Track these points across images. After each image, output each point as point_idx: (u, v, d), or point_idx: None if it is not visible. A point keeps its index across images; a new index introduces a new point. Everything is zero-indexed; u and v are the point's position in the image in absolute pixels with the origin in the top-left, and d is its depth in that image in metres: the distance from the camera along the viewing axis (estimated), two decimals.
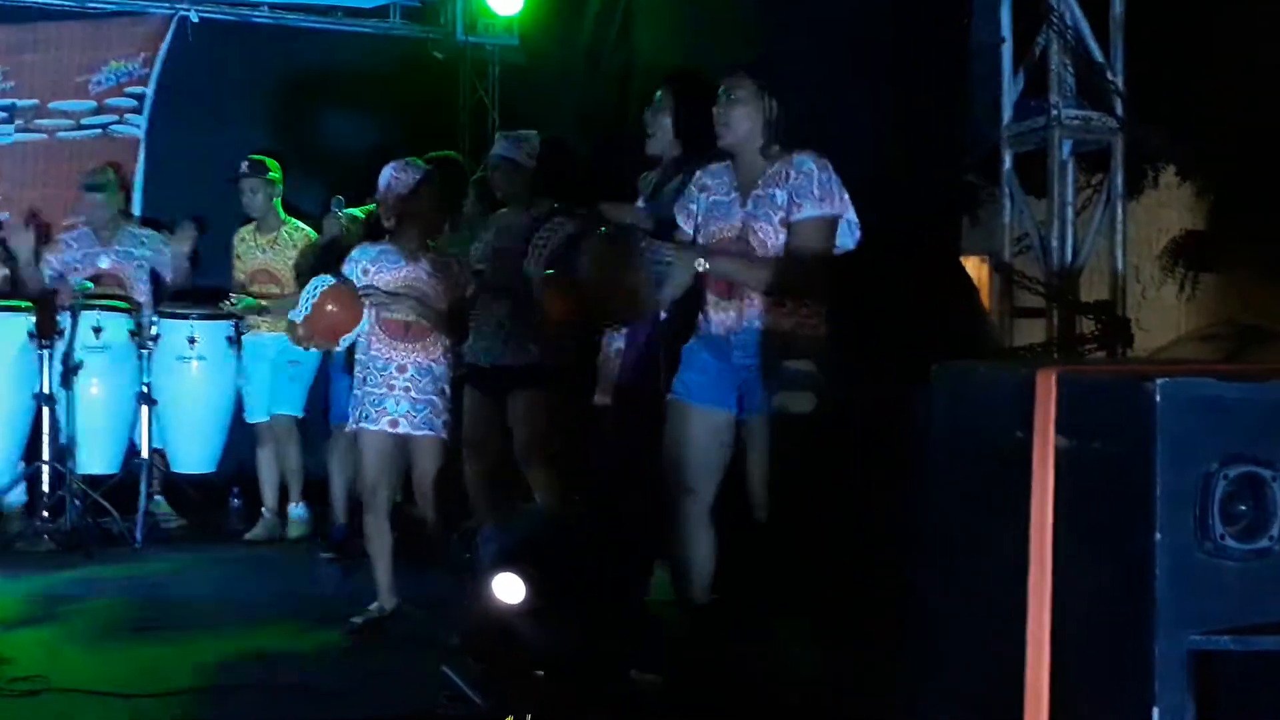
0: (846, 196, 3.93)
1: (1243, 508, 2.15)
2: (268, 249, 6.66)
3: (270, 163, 6.69)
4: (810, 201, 3.86)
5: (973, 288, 5.42)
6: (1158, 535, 2.12)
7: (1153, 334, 8.63)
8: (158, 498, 6.77)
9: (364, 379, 4.71)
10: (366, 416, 4.66)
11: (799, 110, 4.02)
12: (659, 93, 4.73)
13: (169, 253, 6.81)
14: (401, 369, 4.68)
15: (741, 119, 3.95)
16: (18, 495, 6.49)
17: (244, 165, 6.63)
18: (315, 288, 4.64)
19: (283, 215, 6.70)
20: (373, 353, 4.70)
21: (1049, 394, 2.39)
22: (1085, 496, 2.30)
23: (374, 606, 4.74)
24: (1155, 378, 2.14)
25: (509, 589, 3.67)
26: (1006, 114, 5.15)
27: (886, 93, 5.31)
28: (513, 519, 4.01)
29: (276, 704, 3.95)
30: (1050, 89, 4.88)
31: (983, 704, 2.55)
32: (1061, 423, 2.37)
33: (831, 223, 3.90)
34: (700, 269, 3.96)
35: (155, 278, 6.83)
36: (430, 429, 4.69)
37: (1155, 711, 2.11)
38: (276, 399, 6.56)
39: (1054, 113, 4.88)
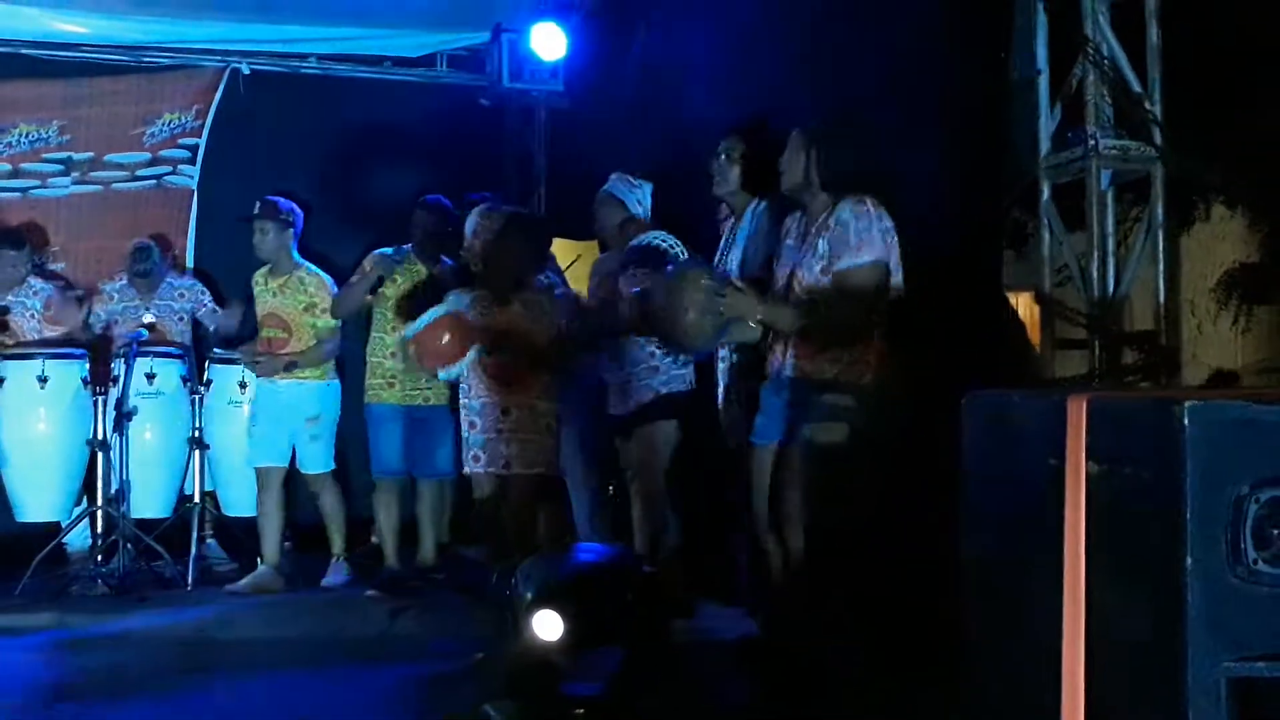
0: (893, 240, 3.97)
1: (1276, 532, 2.13)
2: (278, 293, 6.40)
3: (283, 204, 6.53)
4: (848, 253, 3.96)
5: (1017, 320, 5.42)
6: (1189, 560, 2.10)
7: (1210, 368, 8.53)
8: (210, 541, 6.85)
9: (471, 424, 4.77)
10: (478, 460, 4.74)
11: (844, 153, 4.10)
12: (727, 142, 4.82)
13: (208, 302, 6.98)
14: (506, 411, 4.74)
15: (798, 168, 4.09)
16: (82, 539, 6.57)
17: (256, 206, 6.48)
18: (435, 313, 4.73)
19: (297, 259, 6.46)
20: (478, 397, 4.76)
21: (1080, 420, 2.39)
22: (1117, 522, 2.29)
23: None
24: (1184, 400, 2.13)
25: (548, 626, 3.66)
26: (1044, 146, 5.16)
27: (929, 129, 5.31)
28: (551, 555, 4.02)
29: None
30: (1087, 119, 4.87)
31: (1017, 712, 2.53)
32: (1093, 448, 2.36)
33: (872, 270, 3.97)
34: (753, 322, 4.07)
35: (196, 325, 7.00)
36: (534, 466, 4.77)
37: None
38: (302, 459, 6.44)
39: (1091, 143, 4.87)
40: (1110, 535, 2.30)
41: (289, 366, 6.29)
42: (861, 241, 3.94)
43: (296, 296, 6.39)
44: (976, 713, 2.74)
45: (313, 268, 6.48)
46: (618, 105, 7.44)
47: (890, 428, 3.97)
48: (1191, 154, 5.08)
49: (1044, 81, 5.13)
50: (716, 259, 4.78)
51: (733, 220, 4.81)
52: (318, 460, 6.43)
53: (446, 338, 4.66)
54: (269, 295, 6.42)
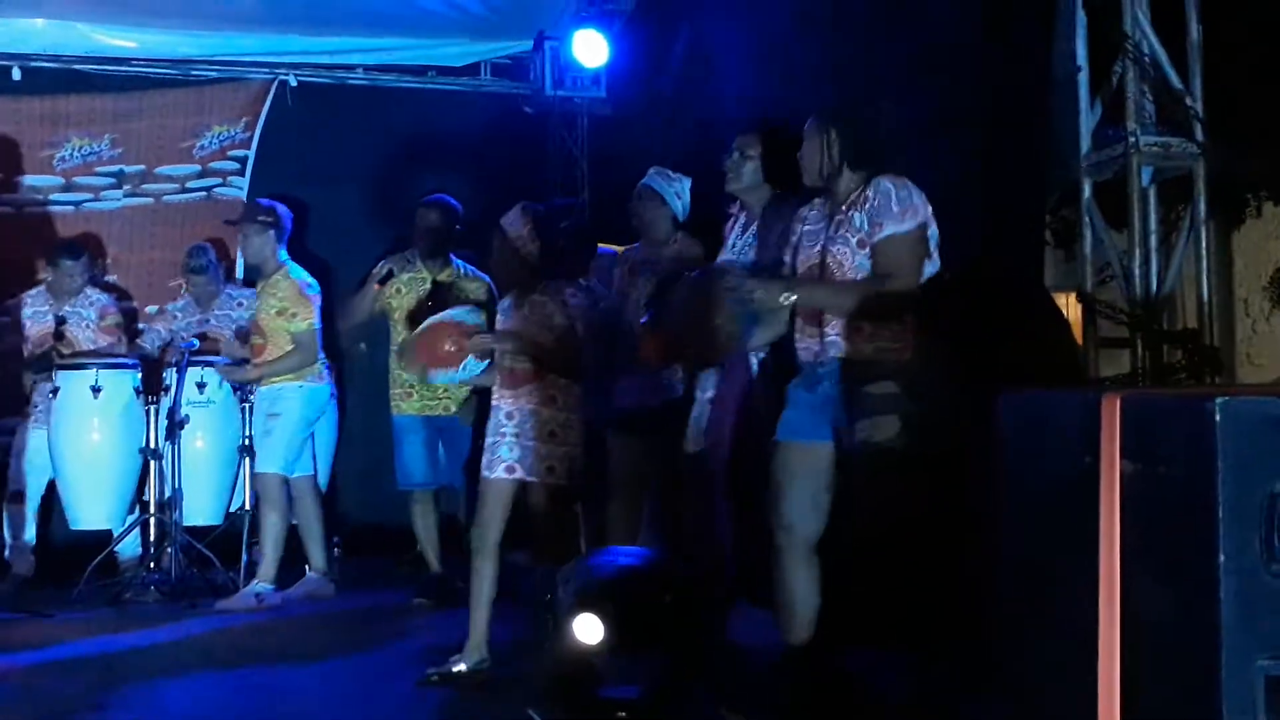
0: (930, 211, 3.93)
1: None
2: (259, 297, 6.40)
3: (264, 204, 6.47)
4: (890, 220, 3.86)
5: (1062, 319, 5.37)
6: (1221, 557, 2.09)
7: (1265, 368, 8.40)
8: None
9: (490, 429, 4.75)
10: (488, 465, 4.70)
11: (867, 132, 4.07)
12: (742, 139, 4.80)
13: None
14: (510, 415, 4.69)
15: (818, 159, 4.03)
16: (133, 547, 6.66)
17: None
18: (444, 318, 4.73)
19: (282, 260, 6.35)
20: (494, 402, 4.75)
21: (1114, 419, 2.38)
22: (1151, 520, 2.28)
23: (455, 661, 4.61)
24: (1216, 398, 2.11)
25: (589, 630, 3.68)
26: (1085, 143, 5.10)
27: (970, 127, 5.29)
28: (591, 559, 4.02)
29: None
30: (1127, 116, 4.82)
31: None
32: (1127, 447, 2.35)
33: (917, 236, 3.88)
34: (787, 303, 3.99)
35: None
36: (534, 474, 4.60)
37: None
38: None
39: (1132, 140, 4.81)
40: (1145, 534, 2.29)
41: (249, 380, 6.34)
42: (905, 208, 3.86)
43: (269, 300, 6.31)
44: (1013, 710, 2.73)
45: (296, 270, 6.38)
46: (660, 110, 7.48)
47: (936, 409, 3.87)
48: (1235, 150, 5.00)
49: (1084, 79, 5.08)
50: (724, 258, 4.74)
51: (744, 217, 4.78)
52: (265, 458, 6.32)
53: (449, 345, 4.65)
54: (256, 301, 6.45)
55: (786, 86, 6.34)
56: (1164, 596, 2.22)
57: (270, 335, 6.27)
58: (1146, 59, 4.77)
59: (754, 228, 4.71)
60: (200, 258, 6.90)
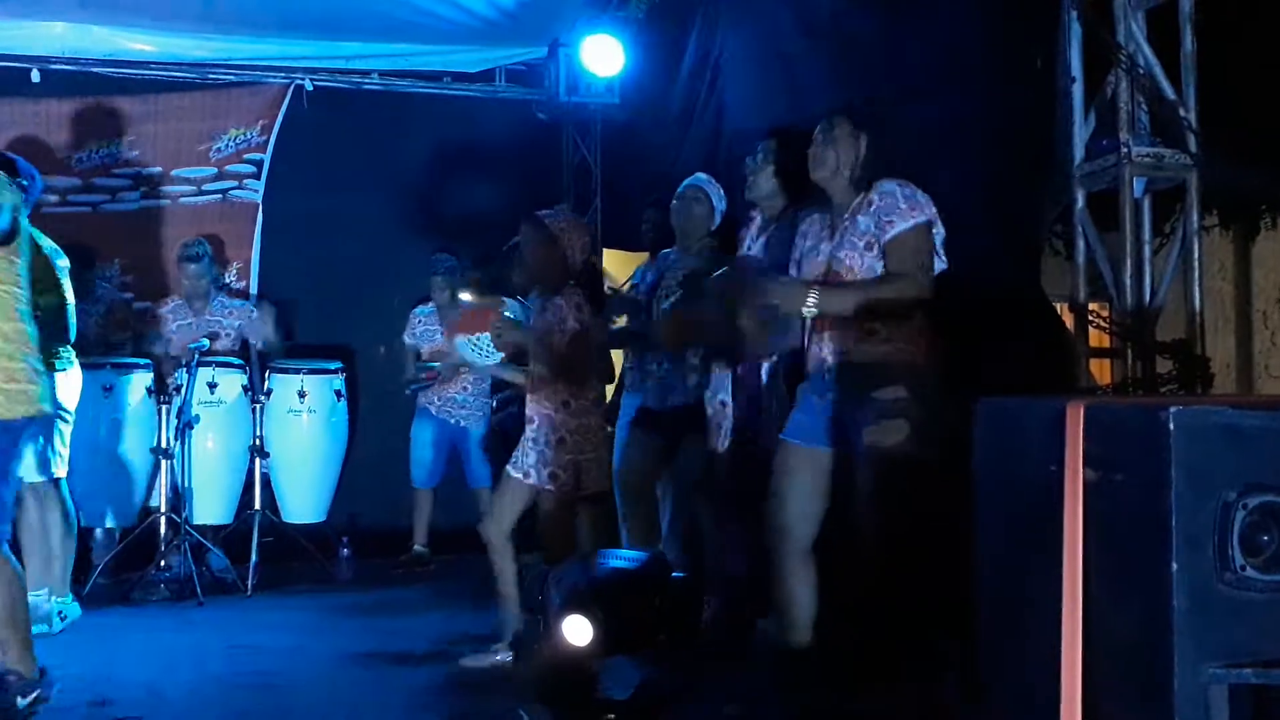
0: (935, 210, 3.96)
1: (1265, 538, 2.13)
2: None
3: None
4: (899, 216, 3.91)
5: (1061, 327, 5.38)
6: (1174, 566, 2.11)
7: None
8: (215, 551, 6.85)
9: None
10: (512, 462, 4.78)
11: (887, 156, 4.09)
12: (762, 145, 4.84)
13: (256, 323, 6.99)
14: (530, 419, 4.76)
15: (831, 156, 4.05)
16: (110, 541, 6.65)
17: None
18: (494, 305, 4.82)
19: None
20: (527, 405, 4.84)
21: (1078, 427, 2.40)
22: (1111, 528, 2.31)
23: (496, 649, 4.80)
24: (1170, 407, 2.13)
25: (578, 632, 3.71)
26: (1078, 153, 5.12)
27: (971, 136, 5.30)
28: (582, 561, 4.05)
29: None
30: (1120, 126, 4.83)
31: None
32: (1089, 455, 2.37)
33: (925, 229, 3.92)
34: (810, 315, 4.00)
35: (245, 343, 7.03)
36: (540, 481, 4.66)
37: None
38: None
39: (1124, 150, 4.82)
40: (1105, 541, 2.31)
41: None
42: (912, 204, 3.91)
43: None
44: (987, 713, 2.75)
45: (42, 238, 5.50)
46: (673, 116, 7.51)
47: (944, 414, 3.88)
48: (1229, 161, 5.00)
49: (1078, 89, 5.10)
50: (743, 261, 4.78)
51: (759, 222, 4.82)
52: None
53: (474, 329, 4.75)
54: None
55: (796, 95, 6.36)
56: (1121, 604, 2.24)
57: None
58: (1140, 70, 4.78)
59: (768, 234, 4.76)
60: (196, 248, 6.88)
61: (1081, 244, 5.12)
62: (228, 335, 6.95)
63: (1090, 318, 5.02)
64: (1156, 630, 2.12)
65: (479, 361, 4.92)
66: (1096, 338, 5.21)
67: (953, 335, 4.08)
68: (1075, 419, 2.37)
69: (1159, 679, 2.11)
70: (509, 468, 4.77)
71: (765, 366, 4.76)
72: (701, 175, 5.46)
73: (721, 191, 5.42)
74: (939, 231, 3.97)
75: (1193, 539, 2.11)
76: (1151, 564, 2.14)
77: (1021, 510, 2.63)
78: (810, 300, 3.92)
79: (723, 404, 4.91)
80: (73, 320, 5.55)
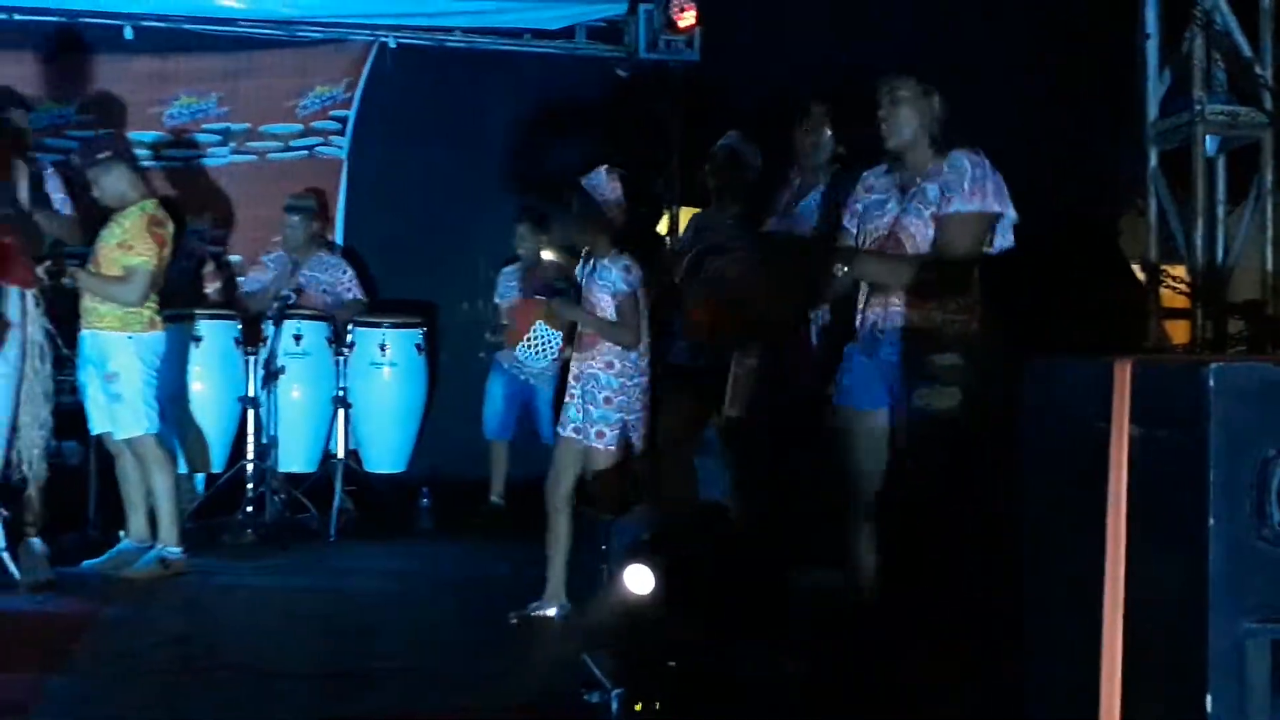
0: (1005, 194, 3.93)
1: None
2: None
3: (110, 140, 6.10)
4: (959, 197, 3.88)
5: (1140, 288, 5.32)
6: (1211, 522, 2.12)
7: None
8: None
9: (568, 389, 4.94)
10: (560, 423, 4.90)
11: (965, 113, 4.08)
12: (815, 106, 4.85)
13: (347, 281, 7.24)
14: (577, 378, 4.85)
15: (906, 120, 4.02)
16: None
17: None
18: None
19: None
20: (571, 364, 4.93)
21: (1125, 384, 2.41)
22: (1154, 485, 2.32)
23: (535, 606, 4.85)
24: (1210, 363, 2.14)
25: (639, 580, 3.78)
26: (1152, 111, 5.03)
27: (1056, 93, 5.26)
28: (645, 512, 4.13)
29: (426, 688, 4.16)
30: (1194, 84, 4.74)
31: (1071, 685, 2.56)
32: (1135, 412, 2.38)
33: (981, 218, 3.89)
34: (839, 274, 4.04)
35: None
36: (588, 439, 4.76)
37: (1209, 699, 2.11)
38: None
39: (1198, 107, 4.74)
40: (1148, 497, 2.32)
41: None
42: (976, 188, 3.87)
43: (112, 230, 5.70)
44: (1037, 675, 2.78)
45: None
46: (752, 74, 7.50)
47: (998, 380, 3.89)
48: None
49: (1153, 46, 5.01)
50: (772, 223, 4.78)
51: (798, 185, 4.82)
52: (126, 424, 5.72)
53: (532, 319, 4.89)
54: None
55: (873, 49, 6.35)
56: (1161, 559, 2.26)
57: (105, 265, 5.67)
58: (1217, 27, 4.69)
59: (811, 197, 4.78)
60: (300, 201, 7.18)
61: (1154, 203, 5.05)
62: (323, 290, 7.13)
63: (1161, 278, 4.96)
64: (1193, 586, 2.13)
65: (537, 363, 5.03)
66: (1172, 298, 5.15)
67: (1031, 296, 4.08)
68: (1123, 376, 2.38)
69: (1195, 634, 2.13)
70: (558, 428, 4.86)
71: (814, 327, 4.78)
72: (736, 135, 5.44)
73: (756, 149, 5.39)
74: (1010, 217, 3.93)
75: (1230, 495, 2.11)
76: (1190, 520, 2.15)
77: (1068, 467, 2.64)
78: (840, 268, 3.96)
79: (751, 368, 4.94)
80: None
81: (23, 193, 5.48)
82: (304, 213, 7.18)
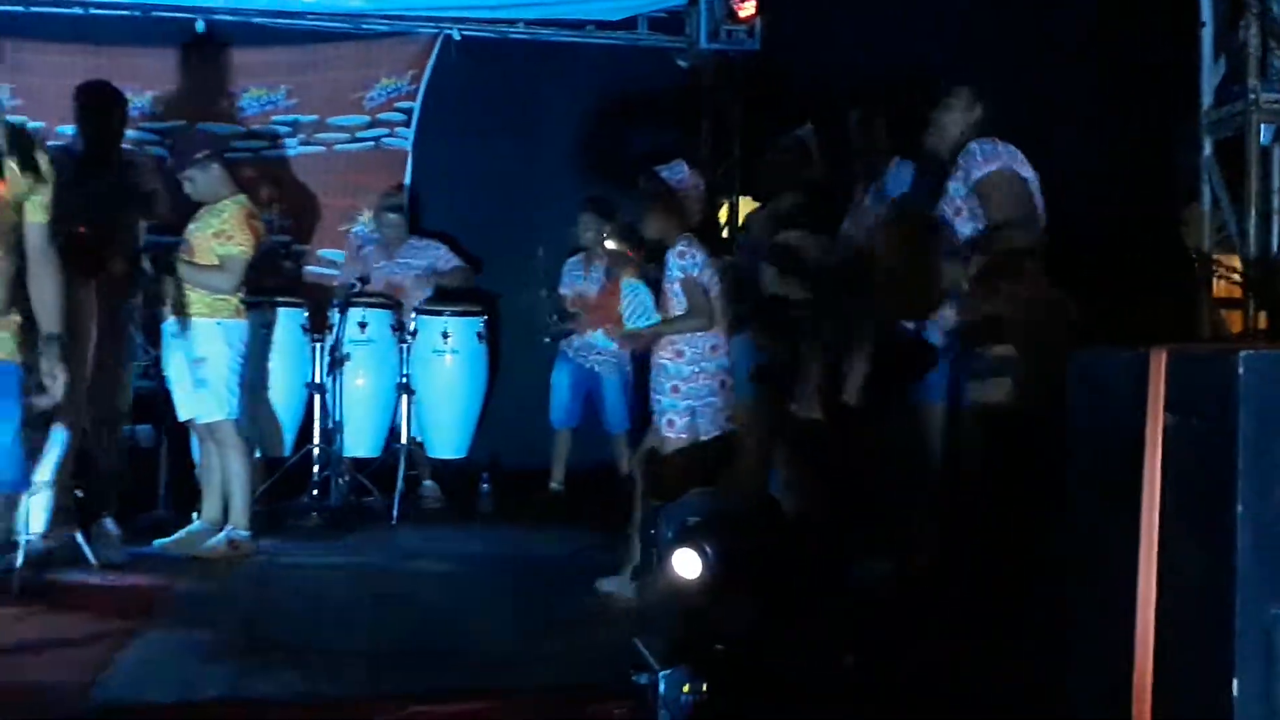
0: (1021, 158, 4.03)
1: None
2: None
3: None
4: (975, 168, 4.06)
5: (1196, 278, 5.29)
6: (1240, 508, 2.14)
7: None
8: (427, 482, 7.26)
9: None
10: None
11: (1024, 100, 4.15)
12: (876, 119, 4.90)
13: (445, 254, 7.48)
14: (655, 368, 5.01)
15: (948, 124, 4.13)
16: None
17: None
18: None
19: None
20: None
21: (1160, 373, 2.44)
22: (1186, 472, 2.35)
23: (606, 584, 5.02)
24: (1240, 350, 2.16)
25: (687, 565, 3.85)
26: (1207, 99, 5.02)
27: (1115, 83, 5.24)
28: (697, 497, 4.20)
29: (483, 667, 4.26)
30: (1249, 72, 4.72)
31: (1106, 669, 2.60)
32: (1170, 401, 2.41)
33: (1002, 175, 4.03)
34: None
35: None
36: (659, 426, 4.93)
37: (1235, 683, 2.14)
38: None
39: (1252, 96, 4.72)
40: (1181, 484, 2.35)
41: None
42: (988, 156, 4.04)
43: (209, 221, 5.92)
44: (1076, 661, 2.81)
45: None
46: (813, 62, 7.53)
47: (1050, 373, 3.92)
48: None
49: (1208, 33, 4.99)
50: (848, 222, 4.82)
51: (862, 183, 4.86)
52: (206, 406, 5.91)
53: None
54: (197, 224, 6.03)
55: (934, 43, 6.35)
56: (1192, 545, 2.29)
57: (199, 255, 5.89)
58: (1273, 14, 4.67)
59: (873, 189, 4.82)
60: (396, 199, 7.42)
61: (1208, 192, 5.03)
62: (417, 275, 7.32)
63: (1215, 268, 4.95)
64: (1222, 571, 2.16)
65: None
66: (1230, 288, 5.13)
67: (1091, 287, 4.10)
68: (1158, 365, 2.41)
69: (1223, 619, 2.15)
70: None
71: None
72: (809, 128, 5.48)
73: (812, 144, 5.42)
74: (1029, 177, 4.02)
75: (1260, 481, 2.14)
76: (1220, 506, 2.18)
77: (1109, 457, 2.67)
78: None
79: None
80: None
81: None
82: (401, 210, 7.43)
